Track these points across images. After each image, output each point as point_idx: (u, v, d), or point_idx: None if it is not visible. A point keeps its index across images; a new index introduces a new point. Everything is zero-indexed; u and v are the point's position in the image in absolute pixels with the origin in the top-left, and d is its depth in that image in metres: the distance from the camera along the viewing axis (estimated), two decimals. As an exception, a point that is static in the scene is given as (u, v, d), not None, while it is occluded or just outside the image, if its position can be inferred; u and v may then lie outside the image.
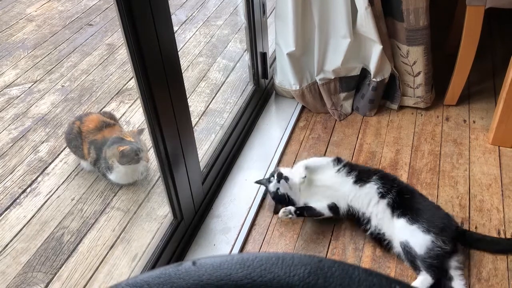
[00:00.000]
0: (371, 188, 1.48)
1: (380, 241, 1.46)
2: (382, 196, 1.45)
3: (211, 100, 2.27)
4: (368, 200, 1.46)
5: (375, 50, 1.83)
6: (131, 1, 1.02)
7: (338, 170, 1.55)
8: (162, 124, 1.24)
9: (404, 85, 1.96)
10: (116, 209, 1.71)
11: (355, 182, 1.50)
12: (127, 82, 2.44)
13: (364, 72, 1.98)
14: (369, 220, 1.46)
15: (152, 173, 1.85)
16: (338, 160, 1.59)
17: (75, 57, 2.69)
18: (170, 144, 1.30)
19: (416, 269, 1.37)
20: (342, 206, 1.50)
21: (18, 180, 1.85)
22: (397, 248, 1.41)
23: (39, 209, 1.72)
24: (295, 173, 1.57)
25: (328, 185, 1.53)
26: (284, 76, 2.00)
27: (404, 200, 1.44)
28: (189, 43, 2.76)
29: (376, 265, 1.43)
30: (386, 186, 1.47)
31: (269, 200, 1.65)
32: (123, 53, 2.69)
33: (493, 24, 2.53)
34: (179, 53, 1.29)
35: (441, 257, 1.34)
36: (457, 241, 1.40)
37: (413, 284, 1.32)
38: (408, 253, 1.36)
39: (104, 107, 2.27)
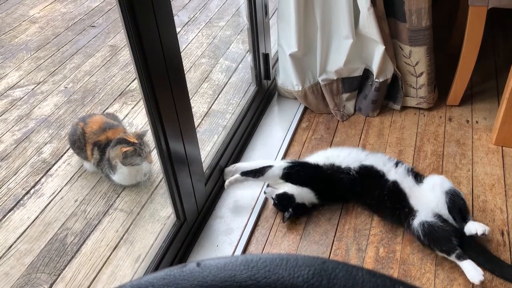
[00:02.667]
0: (383, 157, 1.59)
1: (394, 206, 1.48)
2: (397, 164, 1.56)
3: (214, 101, 2.27)
4: (383, 162, 1.55)
5: (378, 50, 1.83)
6: (134, 2, 1.02)
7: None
8: (165, 125, 1.24)
9: (407, 85, 1.96)
10: (119, 210, 1.71)
11: (363, 151, 1.63)
12: (130, 84, 2.45)
13: (367, 72, 1.98)
14: (386, 176, 1.52)
15: (155, 174, 1.86)
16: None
17: (78, 58, 2.69)
18: (173, 145, 1.30)
19: (460, 219, 1.39)
20: (352, 166, 1.55)
21: (22, 181, 1.85)
22: (423, 216, 1.41)
23: (43, 210, 1.72)
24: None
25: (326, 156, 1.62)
26: (287, 77, 2.00)
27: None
28: (192, 44, 2.77)
29: (379, 266, 1.43)
30: (395, 160, 1.59)
31: (271, 201, 1.65)
32: (125, 55, 2.69)
33: (496, 25, 2.53)
34: (181, 54, 1.29)
35: None
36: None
37: (470, 227, 1.35)
38: (458, 200, 1.41)
39: (107, 108, 2.28)
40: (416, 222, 1.41)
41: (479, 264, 1.37)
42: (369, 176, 1.54)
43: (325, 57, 1.92)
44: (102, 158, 1.76)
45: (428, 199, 1.44)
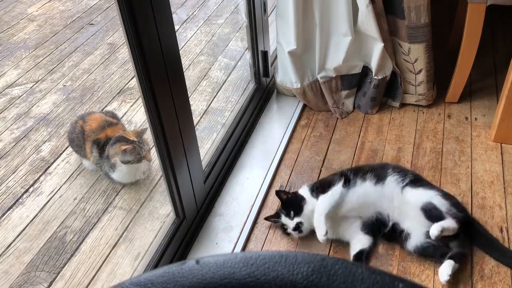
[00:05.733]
0: (391, 182, 1.45)
1: (396, 236, 1.44)
2: (402, 182, 1.45)
3: (213, 99, 2.27)
4: (391, 195, 1.44)
5: (377, 47, 1.83)
6: (132, 0, 1.02)
7: (355, 184, 1.47)
8: (163, 123, 1.24)
9: (406, 82, 1.96)
10: (118, 208, 1.71)
11: (376, 183, 1.46)
12: (129, 81, 2.44)
13: (366, 70, 1.97)
14: (389, 217, 1.45)
15: (154, 172, 1.85)
16: (346, 179, 1.48)
17: (76, 56, 2.69)
18: (172, 143, 1.30)
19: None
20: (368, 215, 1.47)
21: (21, 180, 1.85)
22: (416, 239, 1.39)
23: (42, 208, 1.72)
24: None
25: (355, 208, 1.47)
26: (286, 75, 2.00)
27: (418, 180, 1.48)
28: (190, 42, 2.77)
29: (378, 263, 1.43)
30: (401, 173, 1.47)
31: (272, 199, 1.65)
32: (124, 52, 2.69)
33: (495, 21, 2.53)
34: (180, 52, 1.29)
35: (462, 213, 1.40)
36: (464, 227, 1.40)
37: (441, 223, 1.34)
38: (433, 210, 1.36)
39: (105, 106, 2.27)
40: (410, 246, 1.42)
41: (486, 252, 1.42)
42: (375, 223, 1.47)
43: (324, 54, 1.91)
44: (101, 156, 1.76)
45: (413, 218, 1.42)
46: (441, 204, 1.38)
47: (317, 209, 1.43)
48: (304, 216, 1.46)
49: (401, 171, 1.49)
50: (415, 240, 1.41)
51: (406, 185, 1.45)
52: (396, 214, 1.44)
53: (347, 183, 1.47)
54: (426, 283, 1.36)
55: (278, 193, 1.55)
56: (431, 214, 1.36)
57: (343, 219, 1.47)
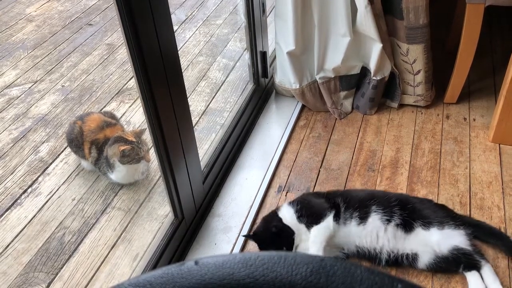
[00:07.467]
0: (375, 221, 1.37)
1: (398, 261, 1.38)
2: (388, 221, 1.37)
3: (211, 100, 2.27)
4: (376, 234, 1.37)
5: (375, 48, 1.83)
6: (131, 0, 1.02)
7: (343, 222, 1.40)
8: (162, 123, 1.24)
9: (404, 83, 1.96)
10: (117, 209, 1.71)
11: (359, 224, 1.38)
12: (127, 82, 2.44)
13: (364, 70, 1.97)
14: (381, 251, 1.37)
15: (153, 173, 1.85)
16: (336, 212, 1.40)
17: (75, 57, 2.69)
18: (170, 143, 1.30)
19: (474, 266, 1.33)
20: (350, 249, 1.41)
21: (19, 180, 1.85)
22: (426, 257, 1.35)
23: (40, 209, 1.72)
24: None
25: (336, 243, 1.41)
26: (284, 75, 2.00)
27: (413, 211, 1.39)
28: (189, 42, 2.76)
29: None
30: (386, 210, 1.38)
31: (270, 199, 1.65)
32: (123, 53, 2.69)
33: (493, 22, 2.53)
34: (179, 52, 1.29)
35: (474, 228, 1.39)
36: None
37: (485, 274, 1.31)
38: (463, 257, 1.32)
39: (104, 107, 2.27)
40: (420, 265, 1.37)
41: (483, 240, 1.42)
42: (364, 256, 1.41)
43: (323, 55, 1.92)
44: (100, 157, 1.76)
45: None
46: (464, 241, 1.34)
47: (315, 242, 1.36)
48: (296, 248, 1.40)
49: (386, 206, 1.39)
50: (426, 257, 1.35)
51: (413, 226, 1.36)
52: (391, 244, 1.37)
53: (338, 216, 1.39)
54: (424, 284, 1.36)
55: (254, 235, 1.45)
56: (461, 261, 1.33)
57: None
